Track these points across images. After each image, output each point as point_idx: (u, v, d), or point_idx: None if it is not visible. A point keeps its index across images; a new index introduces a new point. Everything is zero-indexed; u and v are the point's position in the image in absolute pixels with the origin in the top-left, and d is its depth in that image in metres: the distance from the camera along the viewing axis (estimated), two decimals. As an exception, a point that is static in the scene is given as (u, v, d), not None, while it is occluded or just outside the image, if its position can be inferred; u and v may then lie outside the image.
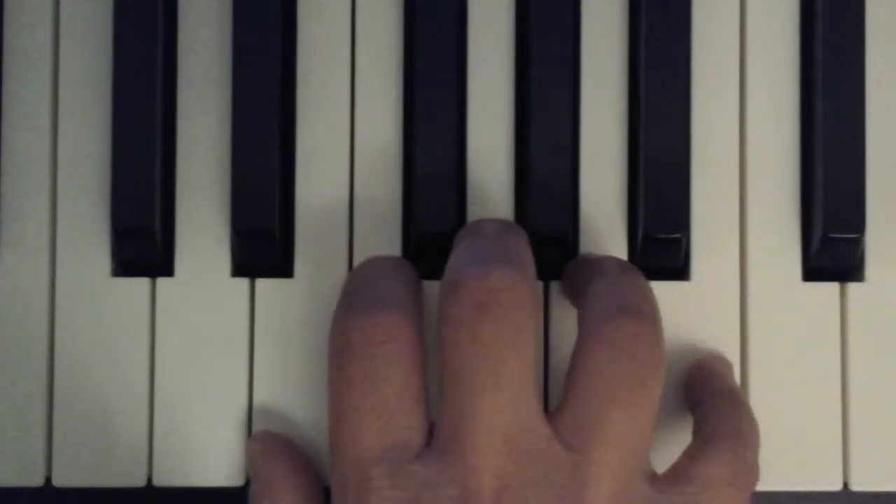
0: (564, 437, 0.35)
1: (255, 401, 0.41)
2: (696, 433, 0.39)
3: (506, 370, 0.35)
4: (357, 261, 0.41)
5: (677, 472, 0.37)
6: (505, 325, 0.35)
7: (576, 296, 0.40)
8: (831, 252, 0.41)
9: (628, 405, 0.35)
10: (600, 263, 0.39)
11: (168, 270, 0.41)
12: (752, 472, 0.38)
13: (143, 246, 0.40)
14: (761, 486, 0.41)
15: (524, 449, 0.35)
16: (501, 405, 0.35)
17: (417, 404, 0.36)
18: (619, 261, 0.40)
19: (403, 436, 0.35)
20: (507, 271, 0.35)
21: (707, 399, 0.39)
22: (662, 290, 0.41)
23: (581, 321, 0.37)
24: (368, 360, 0.35)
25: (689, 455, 0.37)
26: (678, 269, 0.42)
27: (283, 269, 0.41)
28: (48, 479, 0.41)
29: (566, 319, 0.41)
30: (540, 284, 0.41)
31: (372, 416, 0.35)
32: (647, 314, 0.37)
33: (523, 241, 0.38)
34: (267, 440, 0.40)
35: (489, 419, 0.34)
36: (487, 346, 0.35)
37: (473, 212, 0.41)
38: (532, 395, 0.35)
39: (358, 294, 0.37)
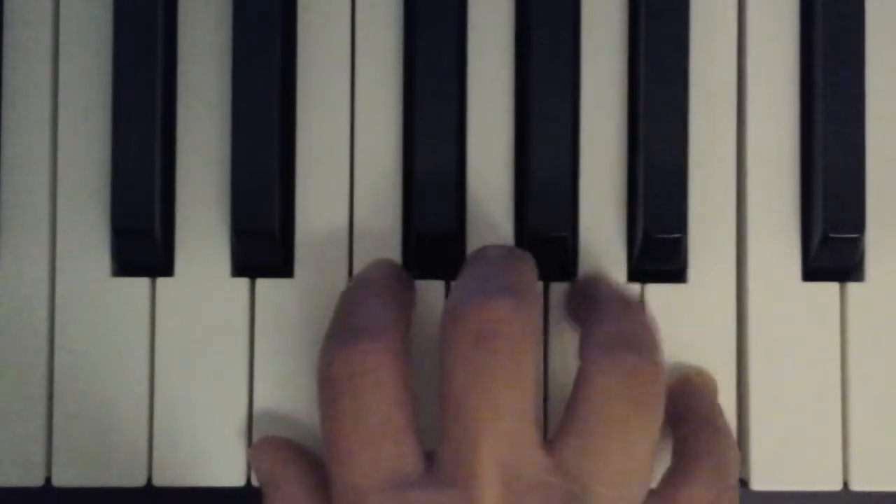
0: (563, 468, 0.35)
1: (255, 401, 0.41)
2: (676, 453, 0.39)
3: (505, 401, 0.35)
4: (357, 261, 0.41)
5: (663, 495, 0.38)
6: (504, 356, 0.35)
7: (577, 323, 0.40)
8: (831, 252, 0.41)
9: (626, 439, 0.36)
10: (602, 295, 0.39)
11: (168, 270, 0.41)
12: (731, 491, 0.39)
13: (143, 246, 0.40)
14: (761, 486, 0.41)
15: (523, 479, 0.35)
16: (501, 436, 0.35)
17: (405, 432, 0.36)
18: (621, 294, 0.40)
19: (394, 464, 0.35)
20: (507, 301, 0.35)
21: (687, 419, 0.40)
22: (661, 291, 0.41)
23: (582, 352, 0.37)
24: (350, 392, 0.36)
25: (672, 478, 0.38)
26: (677, 270, 0.42)
27: (283, 269, 0.41)
28: (48, 479, 0.41)
29: (566, 322, 0.41)
30: (539, 285, 0.41)
31: (359, 446, 0.35)
32: (648, 348, 0.37)
33: (528, 268, 0.38)
34: (272, 445, 0.40)
35: (489, 450, 0.34)
36: (487, 377, 0.35)
37: (473, 212, 0.41)
38: (532, 425, 0.35)
39: (340, 324, 0.38)
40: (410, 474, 0.35)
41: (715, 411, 0.40)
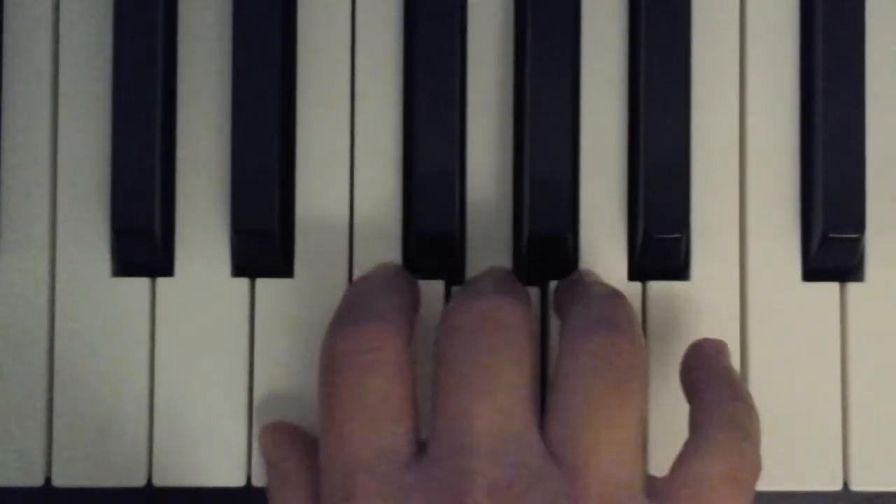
0: (553, 449, 0.35)
1: (255, 400, 0.41)
2: (691, 425, 0.37)
3: (501, 377, 0.35)
4: (357, 260, 0.41)
5: (673, 473, 0.36)
6: (503, 338, 0.36)
7: (561, 314, 0.40)
8: (831, 252, 0.41)
9: (610, 414, 0.35)
10: (585, 286, 0.40)
11: (168, 270, 0.41)
12: (751, 463, 0.36)
13: (143, 246, 0.40)
14: (761, 486, 0.41)
15: (516, 457, 0.34)
16: (495, 411, 0.35)
17: (403, 412, 0.36)
18: (604, 284, 0.40)
19: (389, 443, 0.35)
20: (507, 297, 0.37)
21: (700, 386, 0.38)
22: (662, 290, 0.41)
23: (561, 334, 0.37)
24: (351, 370, 0.36)
25: (683, 453, 0.36)
26: (678, 269, 0.42)
27: (283, 269, 0.41)
28: (48, 479, 0.41)
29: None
30: (536, 290, 0.41)
31: (356, 423, 0.35)
32: (624, 326, 0.36)
33: (521, 286, 0.39)
34: (277, 430, 0.40)
35: (482, 425, 0.34)
36: (484, 354, 0.35)
37: (473, 212, 0.41)
38: (526, 404, 0.35)
39: (346, 309, 0.38)
40: (405, 454, 0.35)
41: (730, 375, 0.39)
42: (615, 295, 0.39)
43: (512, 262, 0.41)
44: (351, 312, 0.37)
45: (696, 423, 0.37)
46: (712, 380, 0.38)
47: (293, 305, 0.41)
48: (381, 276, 0.40)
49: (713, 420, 0.37)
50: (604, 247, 0.42)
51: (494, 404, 0.35)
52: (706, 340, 0.40)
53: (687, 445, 0.36)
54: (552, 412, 0.36)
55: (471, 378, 0.35)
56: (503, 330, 0.36)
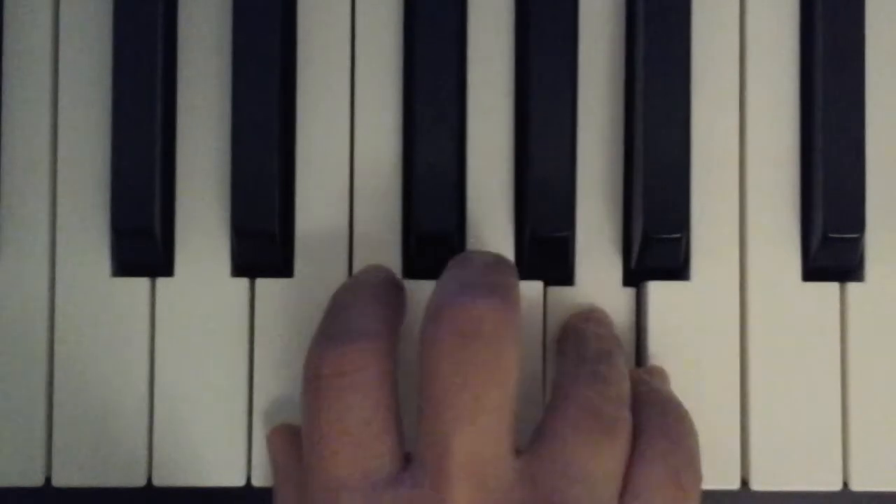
0: (530, 473, 0.35)
1: (255, 401, 0.41)
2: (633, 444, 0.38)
3: (485, 400, 0.35)
4: (357, 261, 0.41)
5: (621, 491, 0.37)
6: (486, 355, 0.35)
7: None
8: (831, 252, 0.41)
9: (594, 455, 0.36)
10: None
11: (168, 270, 0.41)
12: (687, 477, 0.37)
13: (143, 246, 0.40)
14: (761, 486, 0.41)
15: (495, 480, 0.35)
16: (478, 435, 0.35)
17: (386, 432, 0.36)
18: (597, 332, 0.40)
19: (373, 463, 0.35)
20: (491, 301, 0.36)
21: (637, 409, 0.39)
22: (662, 290, 0.41)
23: (556, 374, 0.38)
24: (335, 390, 0.36)
25: (628, 467, 0.37)
26: (678, 269, 0.42)
27: (283, 269, 0.41)
28: (48, 479, 0.41)
29: (562, 322, 0.41)
30: (539, 285, 0.41)
31: (339, 443, 0.35)
32: (613, 379, 0.38)
33: (512, 275, 0.38)
34: (286, 432, 0.40)
35: (464, 448, 0.35)
36: (468, 375, 0.35)
37: (473, 212, 0.41)
38: (508, 426, 0.36)
39: (330, 324, 0.38)
40: (386, 473, 0.35)
41: (665, 393, 0.40)
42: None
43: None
44: (333, 328, 0.37)
45: (638, 437, 0.38)
46: (644, 401, 0.39)
47: (293, 305, 0.41)
48: (366, 285, 0.39)
49: (652, 431, 0.38)
50: (604, 247, 0.42)
51: (478, 429, 0.35)
52: (644, 370, 0.41)
53: (630, 457, 0.37)
54: (537, 438, 0.37)
55: (454, 401, 0.35)
56: (488, 343, 0.35)
